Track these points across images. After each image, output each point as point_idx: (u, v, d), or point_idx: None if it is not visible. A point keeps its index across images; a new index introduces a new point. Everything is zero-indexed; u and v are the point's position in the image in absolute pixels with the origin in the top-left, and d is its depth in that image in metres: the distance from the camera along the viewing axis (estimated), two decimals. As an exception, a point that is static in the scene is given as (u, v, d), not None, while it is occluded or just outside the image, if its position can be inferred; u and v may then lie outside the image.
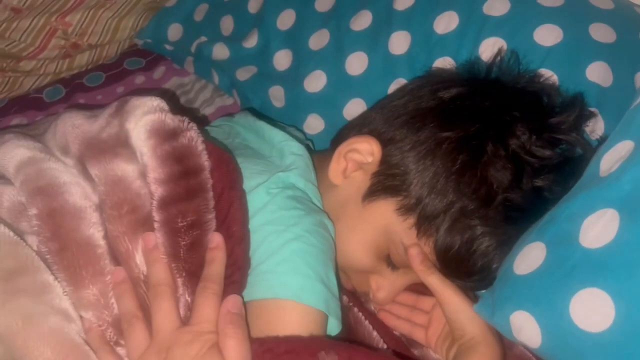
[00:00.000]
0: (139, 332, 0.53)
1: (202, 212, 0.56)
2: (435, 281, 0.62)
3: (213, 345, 0.51)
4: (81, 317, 0.54)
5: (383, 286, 0.67)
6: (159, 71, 1.05)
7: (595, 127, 0.66)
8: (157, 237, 0.55)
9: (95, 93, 1.01)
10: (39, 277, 0.53)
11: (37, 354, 0.50)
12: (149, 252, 0.55)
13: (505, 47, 0.71)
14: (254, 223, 0.59)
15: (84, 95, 1.01)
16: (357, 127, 0.71)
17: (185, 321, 0.54)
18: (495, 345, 0.60)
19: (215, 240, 0.56)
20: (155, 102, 0.58)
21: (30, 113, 0.98)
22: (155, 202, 0.55)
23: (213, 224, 0.56)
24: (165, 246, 0.55)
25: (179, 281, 0.55)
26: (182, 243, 0.55)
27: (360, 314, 0.64)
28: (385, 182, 0.64)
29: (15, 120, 0.97)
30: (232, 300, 0.54)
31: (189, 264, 0.55)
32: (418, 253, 0.62)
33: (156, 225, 0.55)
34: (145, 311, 0.54)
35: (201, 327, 0.52)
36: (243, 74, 0.92)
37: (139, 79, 1.04)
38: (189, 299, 0.55)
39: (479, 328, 0.60)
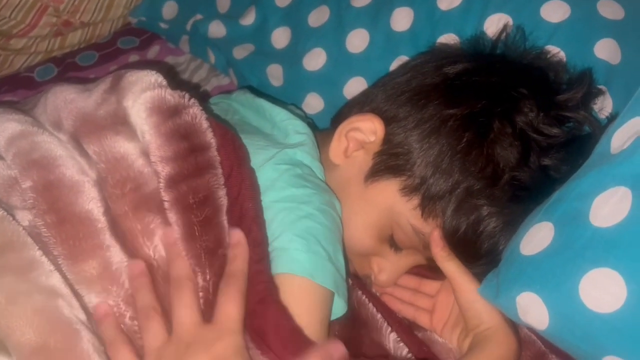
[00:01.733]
0: (157, 324, 0.51)
1: (214, 188, 0.54)
2: (453, 268, 0.60)
3: (237, 348, 0.49)
4: (86, 304, 0.52)
5: (385, 268, 0.65)
6: (154, 50, 1.03)
7: (604, 105, 0.65)
8: (169, 217, 0.53)
9: (87, 72, 0.99)
10: (25, 254, 0.51)
11: (19, 334, 0.48)
12: (169, 247, 0.53)
13: (511, 23, 0.69)
14: (264, 200, 0.58)
15: (76, 74, 0.99)
16: (359, 105, 0.69)
17: (206, 311, 0.52)
18: (512, 335, 0.59)
19: (236, 236, 0.54)
20: (152, 77, 0.56)
21: (20, 92, 0.96)
22: (162, 182, 0.53)
23: (225, 200, 0.55)
24: (179, 225, 0.53)
25: (198, 262, 0.53)
26: (196, 220, 0.53)
27: (364, 296, 0.63)
28: (388, 162, 0.63)
29: (5, 100, 0.94)
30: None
31: (206, 242, 0.53)
32: (441, 237, 0.60)
33: (166, 205, 0.53)
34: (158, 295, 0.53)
35: (225, 326, 0.50)
36: (240, 52, 0.90)
37: (133, 59, 1.02)
38: (209, 279, 0.53)
39: (496, 318, 0.58)
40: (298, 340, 0.52)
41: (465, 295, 0.60)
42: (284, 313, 0.53)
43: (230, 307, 0.51)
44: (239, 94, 0.76)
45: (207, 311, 0.52)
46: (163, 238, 0.54)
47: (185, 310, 0.51)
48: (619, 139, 0.52)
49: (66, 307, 0.51)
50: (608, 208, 0.49)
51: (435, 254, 0.61)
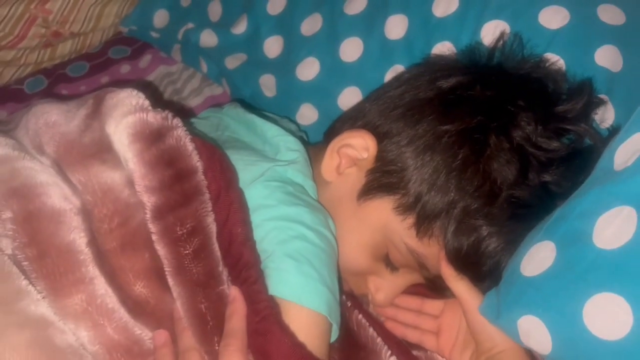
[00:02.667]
0: None
1: (202, 216, 0.53)
2: (464, 288, 0.58)
3: None
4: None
5: (382, 287, 0.64)
6: (145, 60, 1.01)
7: (606, 115, 0.63)
8: (157, 250, 0.52)
9: (79, 84, 0.98)
10: (10, 284, 0.50)
11: None
12: (176, 323, 0.54)
13: (508, 30, 0.67)
14: (255, 219, 0.56)
15: (67, 86, 0.98)
16: (351, 120, 0.68)
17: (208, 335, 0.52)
18: (527, 358, 0.57)
19: (232, 293, 0.53)
20: (133, 99, 0.54)
21: (10, 105, 0.95)
22: (149, 213, 0.52)
23: (214, 227, 0.53)
24: (168, 258, 0.52)
25: (192, 294, 0.52)
26: (185, 252, 0.52)
27: (363, 319, 0.61)
28: (382, 180, 0.61)
29: (-9, 118, 0.93)
30: None
31: (197, 274, 0.52)
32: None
33: (154, 237, 0.52)
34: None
35: None
36: (232, 61, 0.88)
37: (125, 69, 1.01)
38: (205, 311, 0.53)
39: (511, 340, 0.56)
40: (301, 356, 0.51)
41: (477, 317, 0.58)
42: (285, 330, 0.52)
43: None
44: (229, 107, 0.74)
45: (209, 336, 0.53)
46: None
47: None
48: (623, 154, 0.50)
49: (58, 335, 0.50)
50: (612, 229, 0.47)
51: (445, 274, 0.59)
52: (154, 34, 1.00)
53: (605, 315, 0.46)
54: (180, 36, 0.96)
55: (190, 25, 0.95)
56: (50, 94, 0.96)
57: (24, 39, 0.97)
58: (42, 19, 0.96)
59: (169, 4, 0.98)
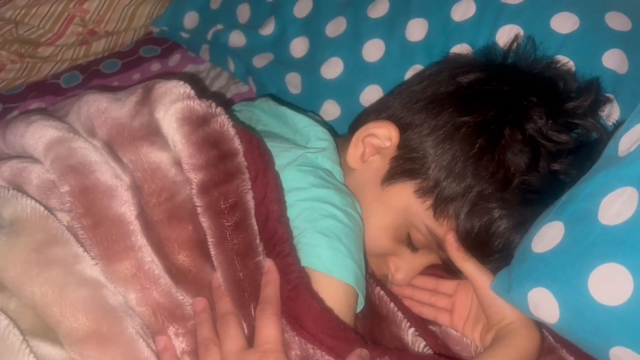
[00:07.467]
0: (215, 355, 0.55)
1: (242, 193, 0.58)
2: (472, 267, 0.63)
3: None
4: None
5: (401, 267, 0.68)
6: (175, 59, 1.06)
7: (611, 112, 0.67)
8: (202, 222, 0.57)
9: (111, 79, 1.03)
10: (68, 249, 0.55)
11: (72, 319, 0.52)
12: (215, 291, 0.58)
13: (522, 33, 0.72)
14: (289, 199, 0.61)
15: (100, 81, 1.02)
16: (376, 112, 0.72)
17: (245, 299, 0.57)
18: (535, 329, 0.61)
19: (267, 265, 0.58)
20: (181, 88, 0.59)
21: (47, 98, 0.99)
22: (195, 188, 0.57)
23: (252, 204, 0.58)
24: (212, 229, 0.57)
25: (231, 265, 0.57)
26: (227, 224, 0.57)
27: (385, 295, 0.65)
28: (404, 166, 0.66)
29: (33, 105, 0.98)
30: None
31: (236, 244, 0.57)
32: (456, 239, 0.63)
33: (199, 210, 0.57)
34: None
35: (265, 347, 0.54)
36: (259, 61, 0.93)
37: (155, 67, 1.05)
38: (243, 277, 0.57)
39: (519, 313, 0.60)
40: (328, 318, 0.56)
41: (486, 293, 0.62)
42: (314, 297, 0.57)
43: (269, 330, 0.55)
44: (261, 101, 0.79)
45: (246, 302, 0.58)
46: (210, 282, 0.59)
47: (232, 340, 0.56)
48: (626, 142, 0.54)
49: (111, 296, 0.55)
50: (616, 207, 0.51)
51: (452, 256, 0.63)
52: (184, 35, 1.05)
53: (608, 283, 0.50)
54: (209, 37, 1.00)
55: (220, 26, 0.99)
56: (85, 89, 1.01)
57: (62, 37, 1.02)
58: (79, 18, 1.01)
59: (199, 6, 1.03)
